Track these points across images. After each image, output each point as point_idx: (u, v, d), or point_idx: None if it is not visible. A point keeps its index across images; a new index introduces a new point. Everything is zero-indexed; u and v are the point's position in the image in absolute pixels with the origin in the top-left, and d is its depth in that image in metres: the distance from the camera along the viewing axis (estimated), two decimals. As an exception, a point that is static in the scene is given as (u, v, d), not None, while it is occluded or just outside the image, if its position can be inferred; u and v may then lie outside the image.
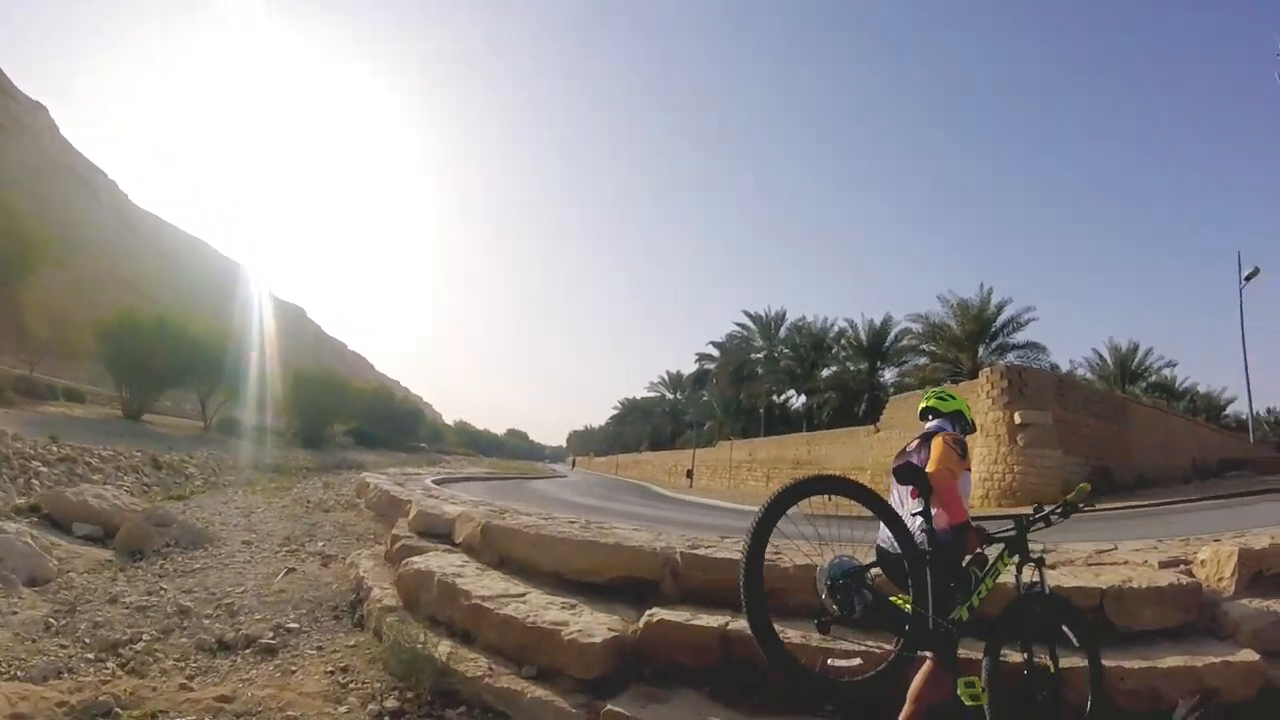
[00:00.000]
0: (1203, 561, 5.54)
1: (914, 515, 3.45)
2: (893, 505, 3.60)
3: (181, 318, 26.06)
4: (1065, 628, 3.60)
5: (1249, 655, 4.39)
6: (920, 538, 3.40)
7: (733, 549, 5.52)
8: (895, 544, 3.48)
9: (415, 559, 6.47)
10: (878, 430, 31.34)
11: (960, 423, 4.15)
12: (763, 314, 53.16)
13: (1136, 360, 45.88)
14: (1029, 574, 3.63)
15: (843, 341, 46.23)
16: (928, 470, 3.49)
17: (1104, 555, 6.43)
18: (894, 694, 3.51)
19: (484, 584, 5.68)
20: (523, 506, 10.31)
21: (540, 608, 5.11)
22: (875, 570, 3.38)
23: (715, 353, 59.80)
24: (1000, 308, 36.06)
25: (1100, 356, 47.63)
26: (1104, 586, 4.73)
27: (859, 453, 32.17)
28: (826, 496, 3.37)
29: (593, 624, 4.77)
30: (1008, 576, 3.65)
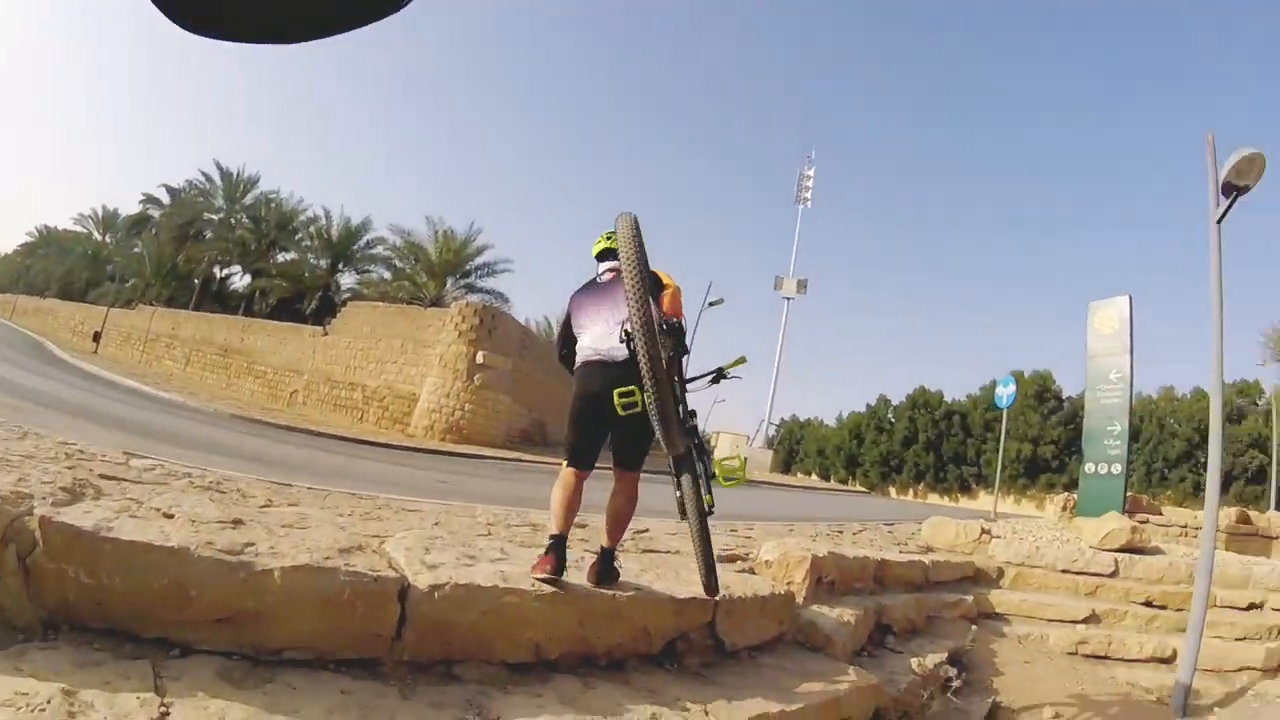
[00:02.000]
0: (767, 562, 5.10)
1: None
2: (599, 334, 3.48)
3: None
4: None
5: (866, 676, 4.00)
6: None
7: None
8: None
9: None
10: (325, 334, 28.91)
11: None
12: (235, 172, 45.94)
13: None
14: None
15: (312, 230, 42.29)
16: (667, 289, 3.53)
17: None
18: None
19: None
20: None
21: None
22: None
23: (166, 199, 49.81)
24: (481, 250, 36.31)
25: (549, 323, 50.57)
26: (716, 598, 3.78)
27: (300, 352, 29.36)
28: None
29: None
30: None
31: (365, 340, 26.71)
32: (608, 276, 3.68)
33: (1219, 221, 6.84)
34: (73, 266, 64.08)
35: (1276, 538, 18.69)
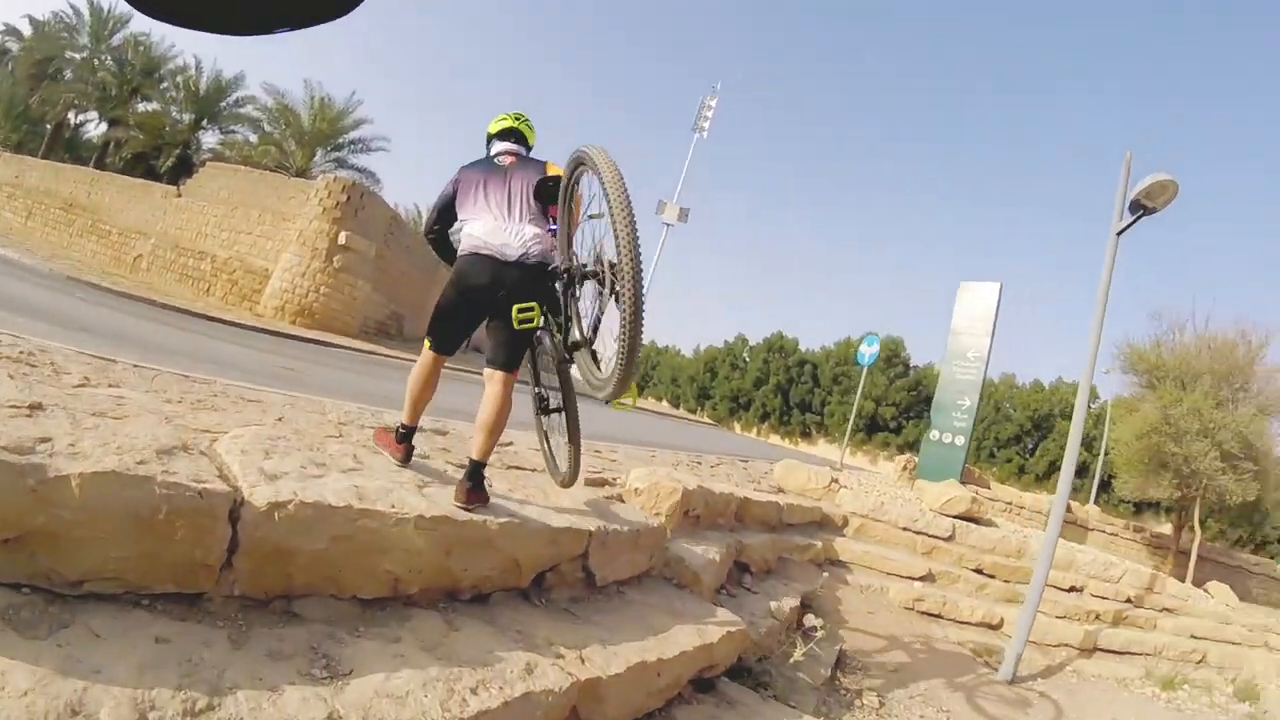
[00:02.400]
0: (637, 490, 4.89)
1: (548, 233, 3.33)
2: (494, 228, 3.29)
3: None
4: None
5: (733, 619, 3.91)
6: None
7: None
8: None
9: None
10: (179, 195, 26.52)
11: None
12: (106, 7, 39.87)
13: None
14: None
15: (179, 80, 37.62)
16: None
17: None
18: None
19: None
20: None
21: None
22: None
23: (28, 31, 42.97)
24: (358, 124, 33.74)
25: (419, 212, 48.37)
26: (591, 528, 3.50)
27: (150, 214, 26.74)
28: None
29: None
30: None
31: (221, 206, 24.62)
32: (507, 160, 3.49)
33: (1119, 234, 6.99)
34: None
35: (1092, 529, 20.47)
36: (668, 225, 49.19)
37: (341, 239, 20.68)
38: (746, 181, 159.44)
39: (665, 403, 61.66)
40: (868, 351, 17.45)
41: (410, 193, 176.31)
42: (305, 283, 20.53)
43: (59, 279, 15.57)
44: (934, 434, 16.76)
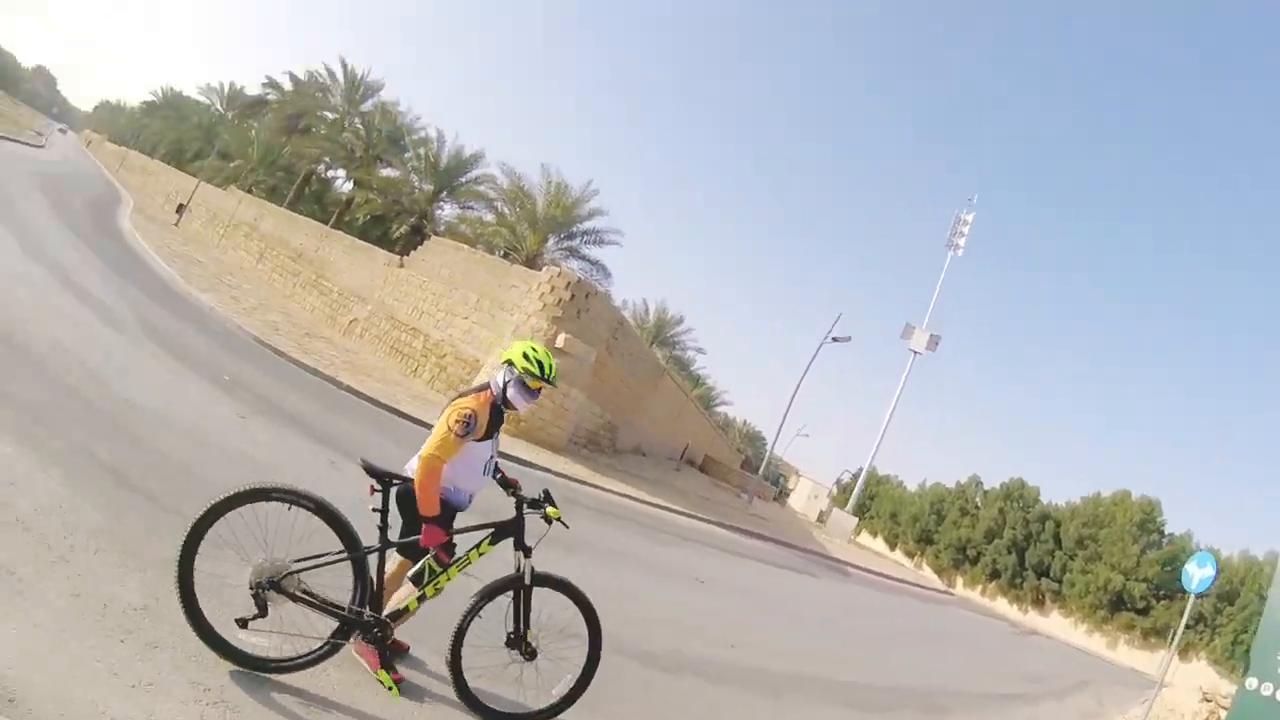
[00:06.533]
0: None
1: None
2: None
3: None
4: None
5: None
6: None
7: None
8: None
9: None
10: (402, 265, 25.76)
11: (515, 377, 4.06)
12: (360, 75, 43.74)
13: (674, 330, 46.42)
14: (520, 562, 3.93)
15: (421, 151, 38.81)
16: (419, 454, 3.80)
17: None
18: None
19: None
20: None
21: None
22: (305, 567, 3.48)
23: (287, 86, 48.09)
24: (593, 214, 32.61)
25: (647, 309, 47.47)
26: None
27: (371, 279, 26.29)
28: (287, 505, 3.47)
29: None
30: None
31: (441, 284, 23.45)
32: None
33: None
34: (185, 133, 64.18)
35: None
36: (915, 353, 44.96)
37: (560, 342, 18.42)
38: (999, 303, 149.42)
39: (880, 540, 55.55)
40: (1197, 574, 12.53)
41: (640, 287, 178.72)
42: (516, 383, 18.35)
43: (244, 342, 14.18)
44: (1252, 682, 11.73)
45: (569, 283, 19.41)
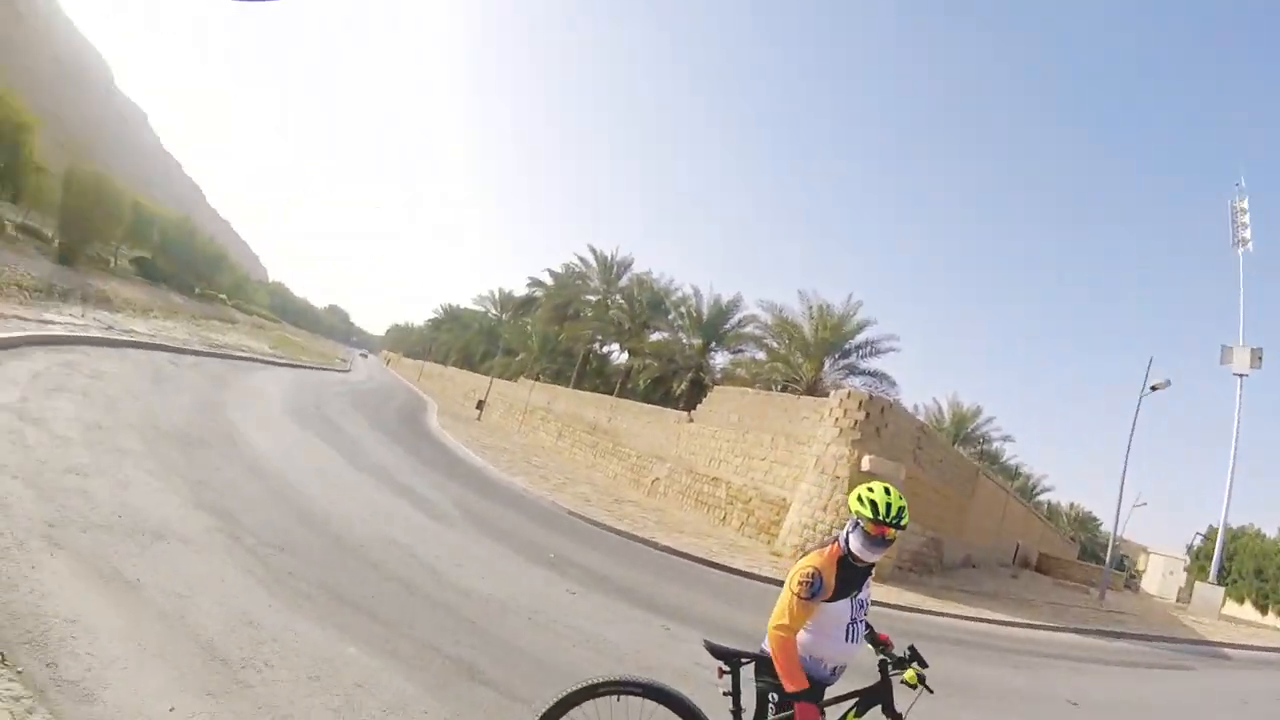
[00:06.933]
0: None
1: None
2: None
3: None
4: None
5: None
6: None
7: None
8: None
9: None
10: (691, 420, 26.34)
11: (855, 525, 3.59)
12: (608, 255, 47.50)
13: (974, 424, 43.64)
14: None
15: (682, 309, 40.63)
16: (769, 626, 3.49)
17: None
18: None
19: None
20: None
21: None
22: None
23: (549, 281, 53.88)
24: (862, 326, 31.59)
25: (940, 409, 45.22)
26: None
27: (664, 438, 27.10)
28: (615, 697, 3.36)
29: None
30: None
31: (731, 430, 23.61)
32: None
33: None
34: (470, 339, 72.70)
35: None
36: (1240, 376, 38.31)
37: (865, 464, 17.54)
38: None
39: (1249, 604, 43.55)
40: None
41: (928, 388, 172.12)
42: (828, 517, 17.61)
43: (559, 517, 14.85)
44: None
45: (860, 402, 18.63)
